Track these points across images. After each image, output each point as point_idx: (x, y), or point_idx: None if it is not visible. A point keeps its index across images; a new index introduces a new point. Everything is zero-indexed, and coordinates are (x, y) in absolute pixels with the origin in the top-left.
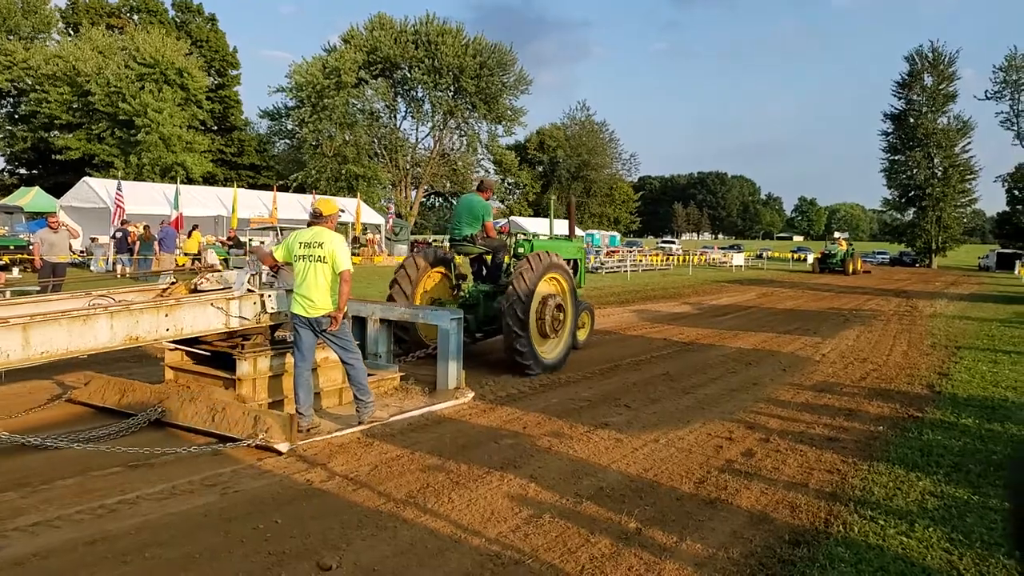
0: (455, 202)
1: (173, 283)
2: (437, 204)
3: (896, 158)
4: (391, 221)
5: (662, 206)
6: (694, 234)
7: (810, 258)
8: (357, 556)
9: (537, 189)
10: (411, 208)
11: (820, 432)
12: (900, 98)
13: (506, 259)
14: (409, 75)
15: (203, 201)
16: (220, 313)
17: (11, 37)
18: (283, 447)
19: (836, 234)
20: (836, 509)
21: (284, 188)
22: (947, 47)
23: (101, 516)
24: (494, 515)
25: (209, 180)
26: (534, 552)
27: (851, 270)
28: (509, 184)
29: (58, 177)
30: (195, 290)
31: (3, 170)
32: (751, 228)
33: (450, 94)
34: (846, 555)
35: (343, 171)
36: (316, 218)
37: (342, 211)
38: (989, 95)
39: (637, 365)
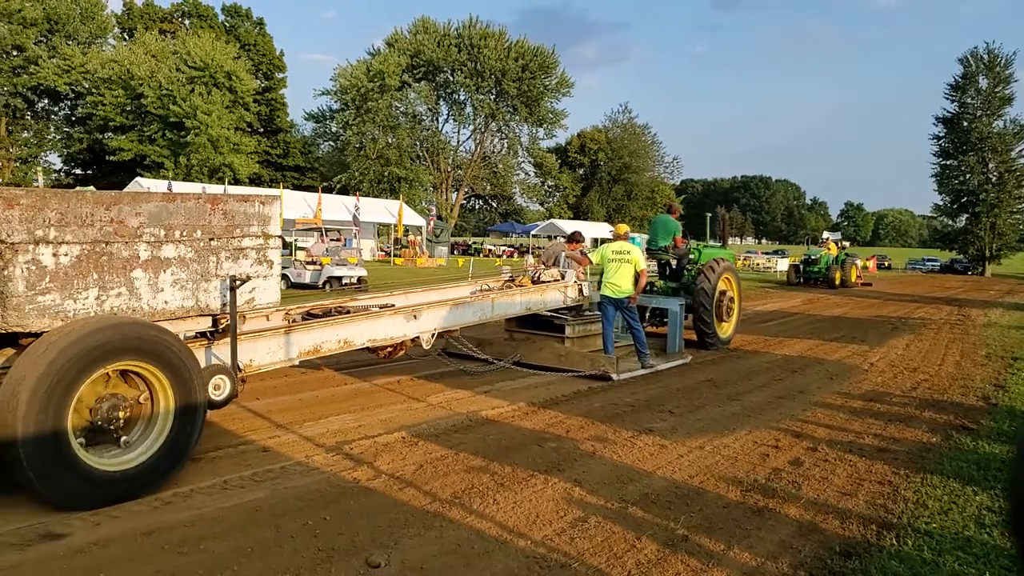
0: (653, 218)
1: (511, 278)
2: (477, 206)
3: (948, 163)
4: (432, 223)
5: (704, 210)
6: (737, 238)
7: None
8: (405, 555)
9: (577, 192)
10: (451, 210)
11: (870, 442)
12: (953, 101)
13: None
14: (451, 78)
15: None
16: (561, 295)
17: (70, 42)
18: (615, 376)
19: (825, 234)
20: (888, 522)
21: (328, 189)
22: (1004, 48)
23: (157, 508)
24: (539, 518)
25: (255, 181)
26: (580, 556)
27: (839, 281)
28: (549, 187)
29: (111, 177)
30: (536, 280)
31: (60, 170)
32: (795, 233)
33: (492, 97)
34: (900, 569)
35: (386, 173)
36: (619, 237)
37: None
38: None
39: (680, 371)
